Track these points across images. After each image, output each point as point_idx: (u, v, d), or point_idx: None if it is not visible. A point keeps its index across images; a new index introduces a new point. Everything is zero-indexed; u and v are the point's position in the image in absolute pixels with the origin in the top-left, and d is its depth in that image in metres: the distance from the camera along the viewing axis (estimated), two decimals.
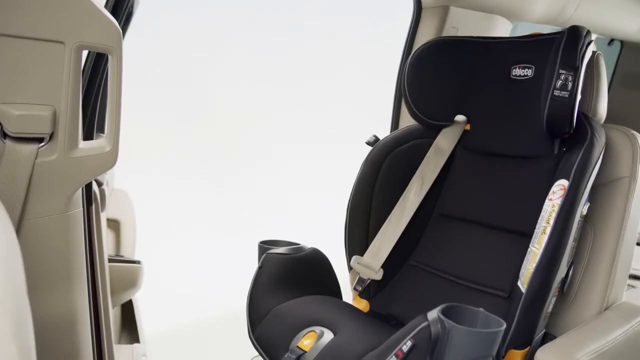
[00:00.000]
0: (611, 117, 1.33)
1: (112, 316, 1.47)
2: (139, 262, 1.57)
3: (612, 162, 1.23)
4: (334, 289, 1.33)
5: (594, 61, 1.23)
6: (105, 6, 1.25)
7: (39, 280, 1.10)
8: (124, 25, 1.37)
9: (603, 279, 1.22)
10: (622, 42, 2.57)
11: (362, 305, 1.40)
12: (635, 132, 1.26)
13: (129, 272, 1.54)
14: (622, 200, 1.22)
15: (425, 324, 0.92)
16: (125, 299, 1.63)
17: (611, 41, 2.56)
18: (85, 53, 1.14)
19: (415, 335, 0.92)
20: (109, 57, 1.05)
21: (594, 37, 1.97)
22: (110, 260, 1.47)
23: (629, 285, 1.48)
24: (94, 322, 1.25)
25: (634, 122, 1.50)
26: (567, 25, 1.42)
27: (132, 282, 1.55)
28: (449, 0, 1.65)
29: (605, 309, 1.23)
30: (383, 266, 1.37)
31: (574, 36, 1.18)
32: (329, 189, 2.47)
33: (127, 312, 1.80)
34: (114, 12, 1.25)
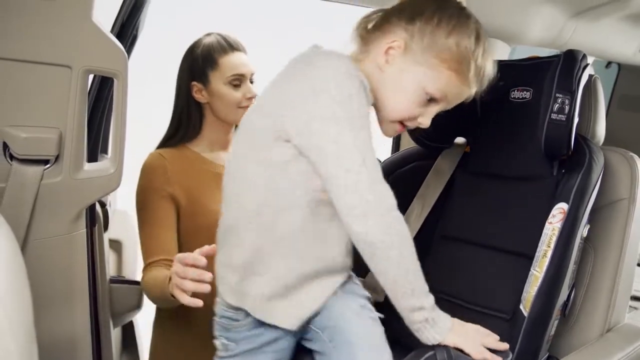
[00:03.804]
0: (609, 140, 1.34)
1: (113, 337, 1.46)
2: (140, 283, 1.57)
3: (611, 184, 1.24)
4: None
5: (591, 84, 1.25)
6: (111, 31, 1.27)
7: (42, 301, 1.10)
8: (129, 48, 1.40)
9: (604, 301, 1.22)
10: (619, 65, 2.59)
11: None
12: (633, 154, 1.27)
13: (130, 293, 1.54)
14: (622, 222, 1.22)
15: (430, 353, 0.92)
16: (126, 320, 1.62)
17: (609, 64, 2.59)
18: (90, 77, 1.16)
19: None
20: (115, 80, 1.07)
21: (591, 60, 2.00)
22: (111, 281, 1.47)
23: (631, 307, 1.47)
24: (95, 342, 1.25)
25: (632, 144, 1.51)
26: (565, 48, 1.44)
27: (133, 303, 1.54)
28: None
29: (607, 331, 1.22)
30: None
31: (570, 60, 1.20)
32: None
33: (128, 333, 1.79)
34: (119, 37, 1.28)
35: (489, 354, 0.92)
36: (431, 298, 0.93)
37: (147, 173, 1.43)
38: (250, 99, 1.46)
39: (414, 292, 0.90)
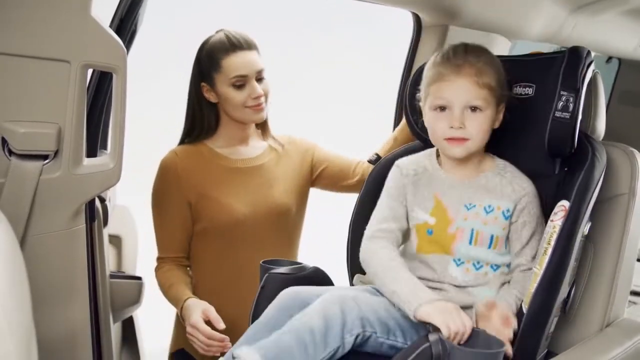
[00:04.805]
0: (609, 135, 1.34)
1: (113, 332, 1.47)
2: (140, 279, 1.58)
3: (611, 179, 1.23)
4: None
5: (592, 79, 1.24)
6: (110, 26, 1.27)
7: (41, 296, 1.10)
8: (128, 43, 1.39)
9: (604, 296, 1.22)
10: (619, 60, 2.59)
11: None
12: (633, 150, 1.27)
13: (130, 288, 1.54)
14: (622, 216, 1.22)
15: (426, 345, 0.93)
16: (126, 315, 1.62)
17: (609, 59, 2.59)
18: (90, 71, 1.15)
19: (416, 357, 0.93)
20: (114, 75, 1.07)
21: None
22: (111, 277, 1.47)
23: (630, 301, 1.48)
24: (95, 338, 1.25)
25: (633, 139, 1.51)
26: (565, 43, 1.43)
27: (133, 298, 1.55)
28: (448, 20, 1.67)
29: (606, 326, 1.23)
30: None
31: (575, 57, 1.19)
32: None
33: (128, 329, 1.79)
34: (118, 32, 1.27)
35: (454, 328, 0.97)
36: (409, 289, 1.05)
37: (160, 172, 1.49)
38: (256, 98, 1.43)
39: (392, 296, 1.07)
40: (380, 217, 1.20)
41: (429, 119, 1.15)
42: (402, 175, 1.21)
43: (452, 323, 0.96)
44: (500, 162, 1.20)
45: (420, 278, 1.11)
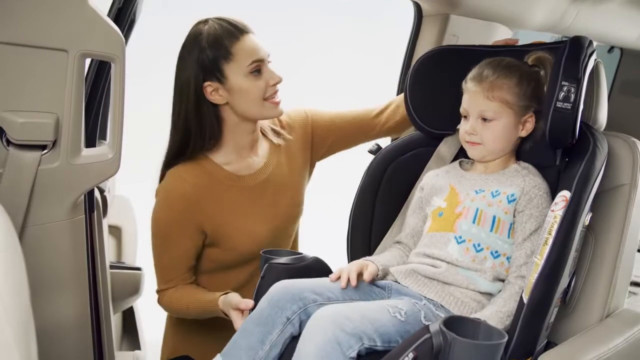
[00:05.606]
0: (611, 125, 1.33)
1: (113, 323, 1.47)
2: (140, 269, 1.58)
3: (613, 169, 1.23)
4: None
5: (593, 69, 1.24)
6: (108, 14, 1.26)
7: (41, 287, 1.10)
8: (127, 33, 1.38)
9: (604, 286, 1.23)
10: (621, 50, 2.58)
11: None
12: (635, 140, 1.27)
13: (130, 278, 1.54)
14: (623, 207, 1.22)
15: (427, 336, 0.93)
16: (126, 306, 1.63)
17: (611, 48, 2.57)
18: (88, 61, 1.15)
19: (417, 347, 0.93)
20: (112, 65, 1.06)
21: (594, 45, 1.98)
22: (111, 267, 1.47)
23: (630, 292, 1.48)
24: (95, 328, 1.25)
25: (634, 129, 1.50)
26: (567, 33, 1.42)
27: (133, 288, 1.55)
28: (449, 9, 1.66)
29: (606, 316, 1.23)
30: None
31: (577, 47, 1.18)
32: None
33: (128, 319, 1.80)
34: (116, 21, 1.26)
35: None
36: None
37: (168, 200, 1.31)
38: (274, 85, 1.28)
39: None
40: (398, 231, 1.35)
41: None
42: (423, 190, 1.31)
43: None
44: (524, 164, 1.24)
45: (425, 255, 1.20)
